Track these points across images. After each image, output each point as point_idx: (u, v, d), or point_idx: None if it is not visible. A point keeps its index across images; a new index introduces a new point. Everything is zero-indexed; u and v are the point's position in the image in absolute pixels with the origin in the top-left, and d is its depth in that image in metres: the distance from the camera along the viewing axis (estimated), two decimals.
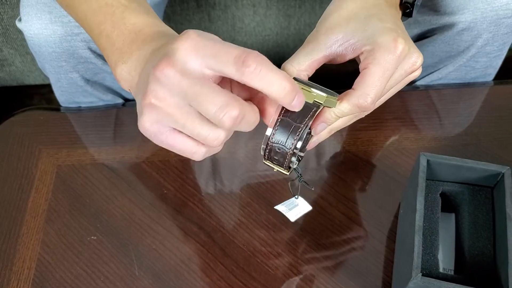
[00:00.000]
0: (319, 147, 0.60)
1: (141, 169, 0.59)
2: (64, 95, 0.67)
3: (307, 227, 0.54)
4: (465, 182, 0.50)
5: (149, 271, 0.52)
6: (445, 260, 0.49)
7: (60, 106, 0.69)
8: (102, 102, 0.68)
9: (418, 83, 0.68)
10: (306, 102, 0.37)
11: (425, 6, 0.59)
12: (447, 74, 0.64)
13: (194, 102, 0.33)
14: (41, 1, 0.56)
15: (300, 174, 0.46)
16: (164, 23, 0.43)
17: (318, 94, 0.38)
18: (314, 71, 0.42)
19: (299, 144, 0.38)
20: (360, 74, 0.40)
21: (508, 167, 0.46)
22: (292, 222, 0.54)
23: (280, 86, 0.33)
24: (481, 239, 0.47)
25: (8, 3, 0.83)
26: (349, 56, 0.41)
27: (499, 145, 0.60)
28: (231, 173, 0.59)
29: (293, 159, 0.39)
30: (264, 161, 0.41)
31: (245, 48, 0.32)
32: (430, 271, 0.45)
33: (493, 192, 0.49)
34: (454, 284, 0.41)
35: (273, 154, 0.39)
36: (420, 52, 0.42)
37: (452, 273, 0.48)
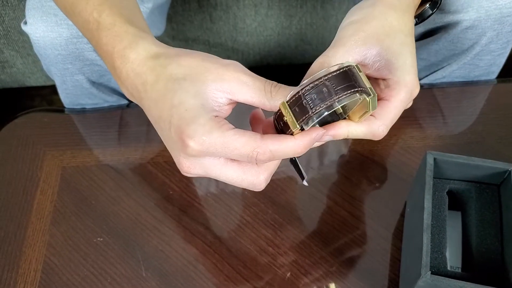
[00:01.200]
0: (325, 146, 0.61)
1: (147, 170, 0.59)
2: (69, 97, 0.66)
3: (313, 226, 0.54)
4: (471, 180, 0.50)
5: (156, 272, 0.52)
6: (452, 258, 0.49)
7: (63, 107, 0.69)
8: (107, 104, 0.68)
9: (422, 81, 0.68)
10: (356, 85, 0.35)
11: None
12: (451, 72, 0.64)
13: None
14: (46, 4, 0.56)
15: (302, 173, 0.45)
16: (133, 24, 0.41)
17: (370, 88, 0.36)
18: None
19: (325, 113, 0.36)
20: (383, 104, 0.41)
21: None
22: (298, 221, 0.55)
23: (296, 153, 0.37)
24: (488, 237, 0.47)
25: (9, 4, 0.83)
26: (369, 71, 0.42)
27: (504, 143, 0.60)
28: None
29: (310, 122, 0.37)
30: (286, 101, 0.37)
31: (253, 141, 0.36)
32: (438, 269, 0.45)
33: (500, 189, 0.49)
34: (464, 282, 0.41)
35: (296, 105, 0.36)
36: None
37: (460, 271, 0.48)
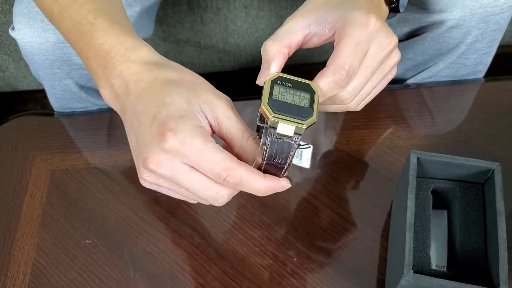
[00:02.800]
0: (312, 146, 0.61)
1: (135, 173, 0.59)
2: (58, 101, 0.67)
3: (300, 226, 0.55)
4: (456, 179, 0.50)
5: (144, 274, 0.52)
6: (437, 257, 0.49)
7: (54, 111, 0.69)
8: (96, 107, 0.68)
9: (409, 81, 0.68)
10: (286, 139, 0.37)
11: (414, 4, 0.59)
12: (438, 71, 0.65)
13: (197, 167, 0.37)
14: (33, 9, 0.57)
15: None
16: (133, 34, 0.42)
17: (298, 125, 0.37)
18: (294, 50, 0.42)
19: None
20: (334, 51, 0.40)
21: (498, 163, 0.47)
22: (285, 222, 0.55)
23: (258, 191, 0.38)
24: (472, 235, 0.47)
25: (0, 9, 0.83)
26: (326, 35, 0.42)
27: (491, 142, 0.60)
28: None
29: (286, 173, 0.40)
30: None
31: (230, 162, 0.36)
32: (422, 268, 0.45)
33: (484, 188, 0.49)
34: (446, 280, 0.41)
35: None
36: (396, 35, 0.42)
37: (445, 269, 0.48)
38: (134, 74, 0.39)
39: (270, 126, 0.37)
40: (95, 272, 0.52)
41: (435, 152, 0.48)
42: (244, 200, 0.57)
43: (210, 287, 0.51)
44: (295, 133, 0.37)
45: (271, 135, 0.37)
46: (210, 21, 0.90)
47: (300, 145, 0.43)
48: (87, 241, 0.55)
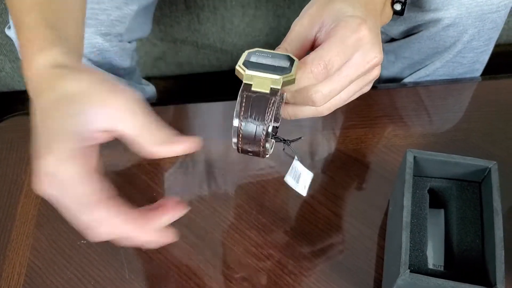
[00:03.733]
0: (309, 145, 0.61)
1: (131, 173, 0.59)
2: None
3: (297, 226, 0.54)
4: (452, 178, 0.50)
5: (139, 274, 0.52)
6: (434, 256, 0.49)
7: None
8: None
9: (406, 80, 0.68)
10: (261, 93, 0.35)
11: (410, 3, 0.59)
12: (435, 70, 0.65)
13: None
14: None
15: (284, 140, 0.43)
16: (51, 34, 0.39)
17: (273, 78, 0.36)
18: (304, 55, 0.41)
19: (267, 145, 0.37)
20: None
21: (495, 162, 0.46)
22: (282, 221, 0.55)
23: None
24: (469, 234, 0.47)
25: None
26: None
27: (488, 140, 0.60)
28: (221, 174, 0.59)
29: (267, 146, 0.38)
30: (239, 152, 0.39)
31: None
32: (419, 268, 0.45)
33: (481, 187, 0.49)
34: (442, 279, 0.41)
35: (246, 148, 0.38)
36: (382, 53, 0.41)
37: (442, 269, 0.48)
38: (37, 82, 0.37)
39: (245, 83, 0.35)
40: (91, 272, 0.52)
41: (432, 151, 0.48)
42: (240, 200, 0.56)
43: None
44: (272, 88, 0.36)
45: (246, 91, 0.35)
46: (207, 20, 0.90)
47: (289, 142, 0.41)
48: (82, 241, 0.54)
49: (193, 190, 0.57)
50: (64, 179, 0.34)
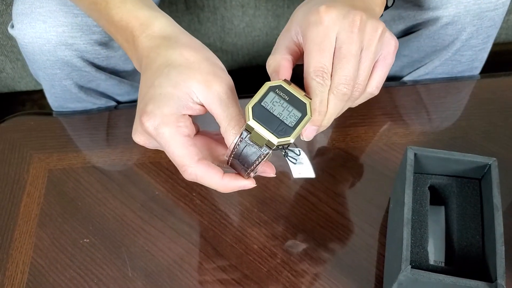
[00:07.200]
0: (309, 144, 0.61)
1: (132, 171, 0.60)
2: (57, 101, 0.67)
3: (298, 223, 0.55)
4: (453, 175, 0.50)
5: (142, 272, 0.52)
6: (435, 253, 0.49)
7: (52, 111, 0.69)
8: (95, 106, 0.68)
9: (405, 78, 0.68)
10: (255, 144, 0.38)
11: (409, 2, 0.60)
12: (434, 68, 0.65)
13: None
14: (35, 10, 0.56)
15: (282, 147, 0.43)
16: (148, 6, 0.43)
17: (269, 139, 0.38)
18: (297, 60, 0.42)
19: (252, 174, 0.41)
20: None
21: (495, 159, 0.47)
22: (283, 219, 0.55)
23: (216, 189, 0.40)
24: (470, 231, 0.47)
25: None
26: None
27: (487, 138, 0.60)
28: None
29: (252, 174, 0.41)
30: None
31: (187, 159, 0.39)
32: (420, 263, 0.45)
33: (481, 183, 0.49)
34: (443, 275, 0.41)
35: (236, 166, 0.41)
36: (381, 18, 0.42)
37: (443, 265, 0.48)
38: (145, 48, 0.41)
39: (245, 129, 0.38)
40: (93, 271, 0.52)
41: (432, 148, 0.48)
42: (241, 198, 0.57)
43: (208, 285, 0.51)
44: (265, 145, 0.38)
45: (243, 136, 0.38)
46: (207, 20, 0.90)
47: (287, 154, 0.42)
48: (85, 240, 0.54)
49: (194, 188, 0.58)
50: (161, 141, 0.38)
